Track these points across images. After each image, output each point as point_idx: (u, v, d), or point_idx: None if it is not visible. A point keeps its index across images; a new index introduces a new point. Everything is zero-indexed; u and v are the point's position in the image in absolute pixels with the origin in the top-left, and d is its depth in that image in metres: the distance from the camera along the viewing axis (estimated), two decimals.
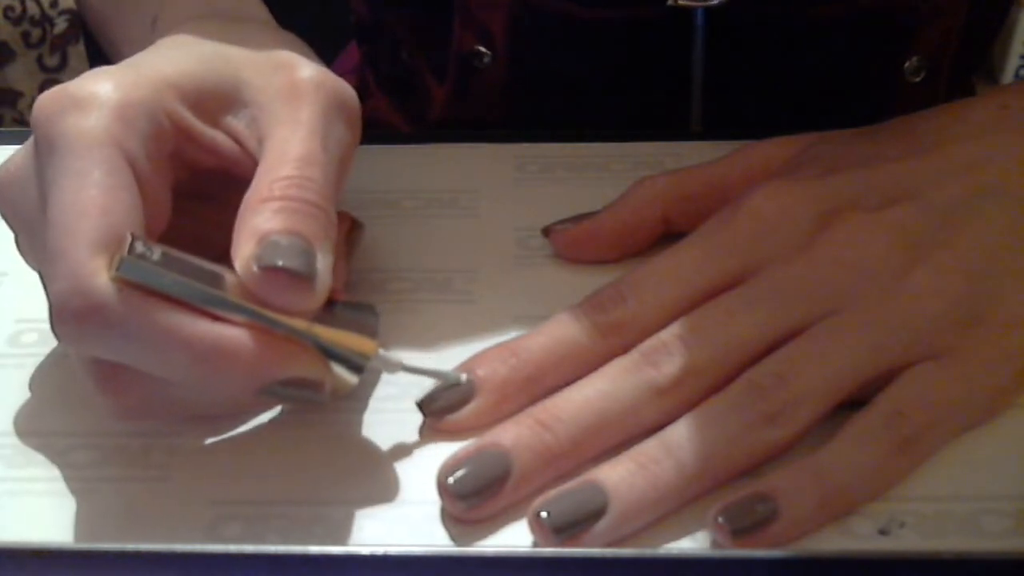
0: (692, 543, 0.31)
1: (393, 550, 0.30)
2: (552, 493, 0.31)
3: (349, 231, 0.38)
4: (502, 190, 0.44)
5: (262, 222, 0.31)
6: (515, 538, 0.32)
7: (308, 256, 0.31)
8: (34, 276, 0.35)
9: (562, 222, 0.41)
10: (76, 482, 0.34)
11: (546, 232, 0.41)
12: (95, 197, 0.31)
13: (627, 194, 0.40)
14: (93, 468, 0.34)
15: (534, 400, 0.34)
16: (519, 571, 0.30)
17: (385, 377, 0.37)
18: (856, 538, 0.31)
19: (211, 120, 0.35)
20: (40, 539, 0.32)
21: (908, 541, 0.31)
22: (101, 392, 0.32)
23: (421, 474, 0.33)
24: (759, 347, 0.34)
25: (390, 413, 0.35)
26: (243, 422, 0.35)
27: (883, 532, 0.31)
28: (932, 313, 0.34)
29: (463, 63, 0.51)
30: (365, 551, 0.30)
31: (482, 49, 0.50)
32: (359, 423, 0.35)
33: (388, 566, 0.30)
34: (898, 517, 0.32)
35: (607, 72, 0.51)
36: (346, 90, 0.35)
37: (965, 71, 0.56)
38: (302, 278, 0.31)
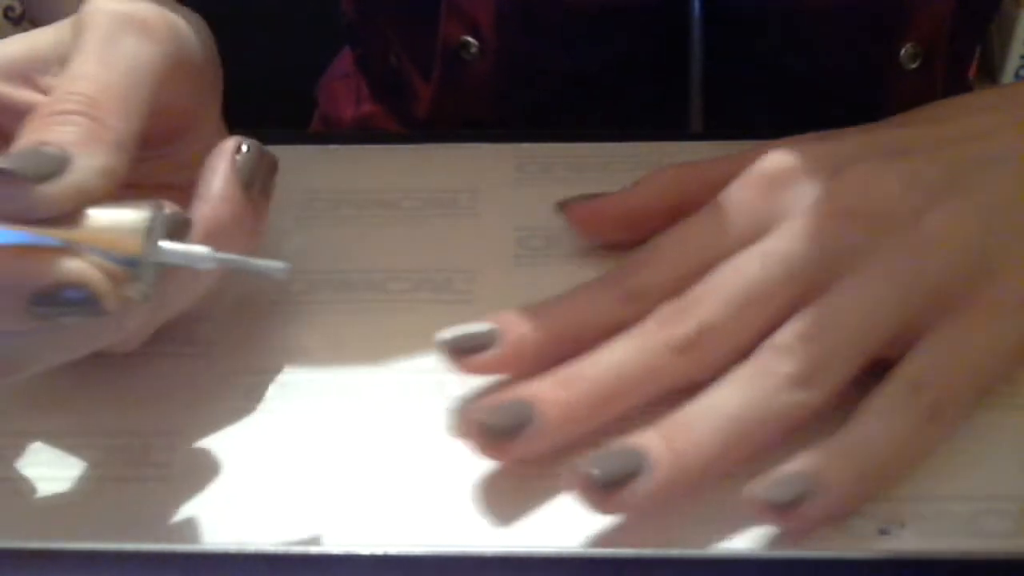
0: (692, 543, 0.31)
1: (393, 550, 0.30)
2: (591, 454, 0.32)
3: (235, 152, 0.35)
4: (502, 190, 0.44)
5: (13, 147, 0.31)
6: (515, 538, 0.32)
7: (42, 158, 0.30)
8: None
9: (576, 198, 0.41)
10: (76, 482, 0.33)
11: (561, 206, 0.41)
12: None
13: (641, 180, 0.41)
14: (93, 468, 0.34)
15: (553, 365, 0.35)
16: (519, 571, 0.30)
17: (387, 376, 0.37)
18: (856, 538, 0.31)
19: (37, 84, 0.34)
20: (40, 539, 0.32)
21: (908, 541, 0.31)
22: None
23: (423, 473, 0.33)
24: (777, 302, 0.34)
25: (392, 413, 0.35)
26: (246, 422, 0.35)
27: (883, 532, 0.31)
28: (948, 257, 0.34)
29: (450, 55, 0.51)
30: (365, 551, 0.30)
31: (469, 39, 0.50)
32: (361, 423, 0.35)
33: (388, 566, 0.30)
34: (898, 517, 0.32)
35: (599, 64, 0.51)
36: (138, 7, 0.35)
37: (960, 60, 0.56)
38: (20, 179, 0.29)
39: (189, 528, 0.32)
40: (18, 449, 0.35)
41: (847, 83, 0.52)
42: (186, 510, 0.33)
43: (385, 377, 0.37)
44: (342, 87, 0.63)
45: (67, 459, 0.34)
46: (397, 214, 0.43)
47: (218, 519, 0.32)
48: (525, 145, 0.46)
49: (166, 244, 0.31)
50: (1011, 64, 1.38)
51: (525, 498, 0.33)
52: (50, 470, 0.34)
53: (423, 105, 0.54)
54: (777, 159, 0.37)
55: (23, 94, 0.34)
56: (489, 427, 0.32)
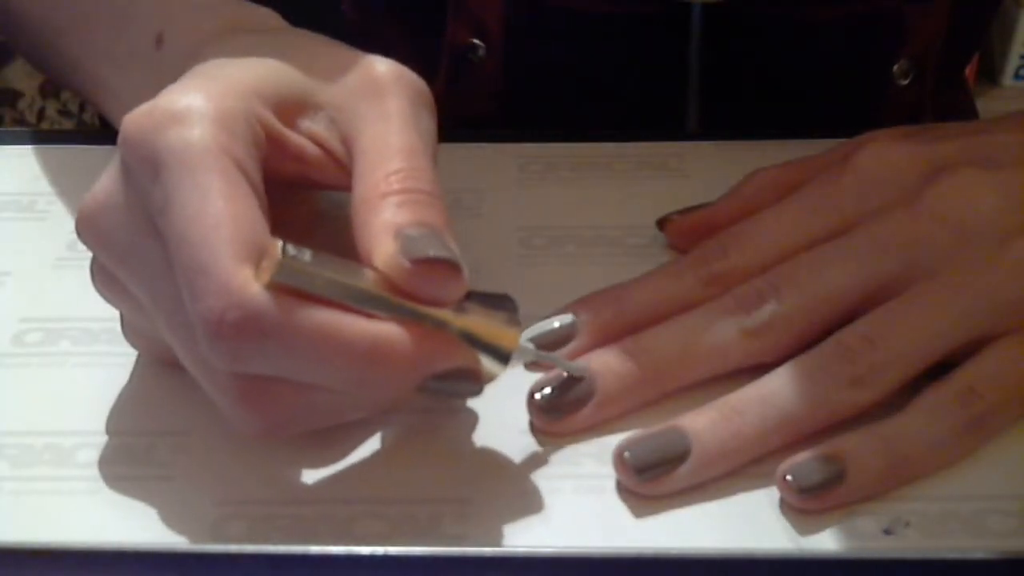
0: (693, 543, 0.31)
1: (393, 550, 0.30)
2: (636, 435, 0.33)
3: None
4: (505, 190, 0.44)
5: (390, 216, 0.30)
6: (515, 539, 0.32)
7: (446, 244, 0.30)
8: (37, 276, 0.35)
9: (677, 212, 0.41)
10: (80, 481, 0.33)
11: (661, 223, 0.41)
12: (223, 208, 0.29)
13: (740, 184, 0.40)
14: (97, 467, 0.34)
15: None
16: (519, 571, 0.30)
17: None
18: (861, 538, 0.31)
19: (291, 126, 0.34)
20: (44, 538, 0.32)
21: (913, 541, 0.31)
22: (245, 410, 0.30)
23: (425, 473, 0.33)
24: (851, 298, 0.35)
25: (394, 412, 0.35)
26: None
27: (888, 532, 0.31)
28: None
29: (456, 56, 0.51)
30: (365, 551, 0.30)
31: (476, 42, 0.50)
32: (363, 422, 0.35)
33: (388, 566, 0.30)
34: (903, 517, 0.32)
35: (602, 68, 0.51)
36: (421, 81, 0.35)
37: (951, 72, 0.57)
38: (454, 266, 0.30)
39: (193, 527, 0.32)
40: (23, 448, 0.34)
41: (840, 92, 0.52)
42: (190, 509, 0.32)
43: None
44: None
45: (72, 458, 0.34)
46: None
47: (222, 518, 0.32)
48: (527, 145, 0.46)
49: (522, 341, 0.33)
50: (1011, 64, 1.38)
51: (527, 498, 0.33)
52: (54, 469, 0.34)
53: None
54: (878, 155, 0.37)
55: (294, 138, 0.33)
56: (549, 400, 0.34)
